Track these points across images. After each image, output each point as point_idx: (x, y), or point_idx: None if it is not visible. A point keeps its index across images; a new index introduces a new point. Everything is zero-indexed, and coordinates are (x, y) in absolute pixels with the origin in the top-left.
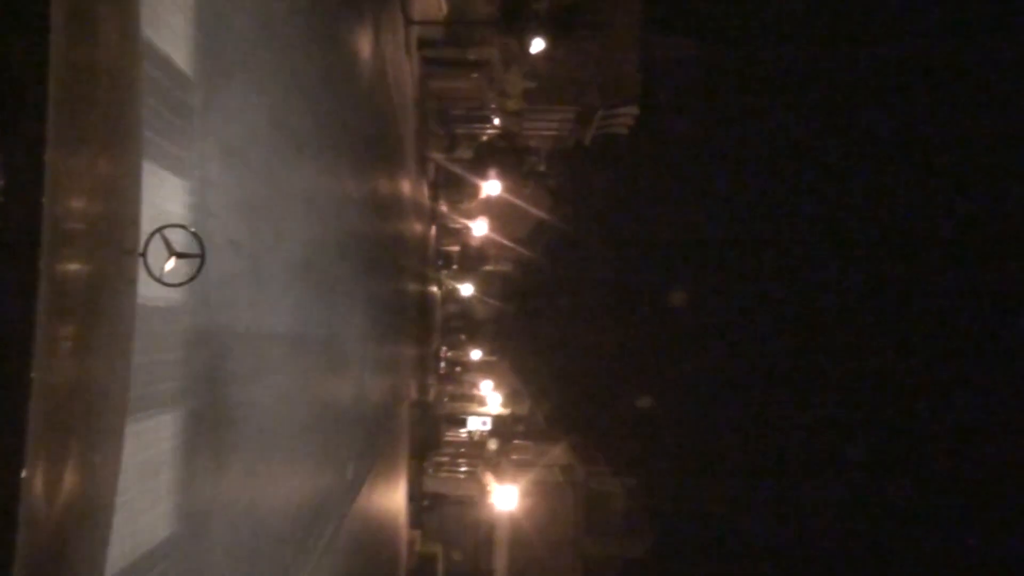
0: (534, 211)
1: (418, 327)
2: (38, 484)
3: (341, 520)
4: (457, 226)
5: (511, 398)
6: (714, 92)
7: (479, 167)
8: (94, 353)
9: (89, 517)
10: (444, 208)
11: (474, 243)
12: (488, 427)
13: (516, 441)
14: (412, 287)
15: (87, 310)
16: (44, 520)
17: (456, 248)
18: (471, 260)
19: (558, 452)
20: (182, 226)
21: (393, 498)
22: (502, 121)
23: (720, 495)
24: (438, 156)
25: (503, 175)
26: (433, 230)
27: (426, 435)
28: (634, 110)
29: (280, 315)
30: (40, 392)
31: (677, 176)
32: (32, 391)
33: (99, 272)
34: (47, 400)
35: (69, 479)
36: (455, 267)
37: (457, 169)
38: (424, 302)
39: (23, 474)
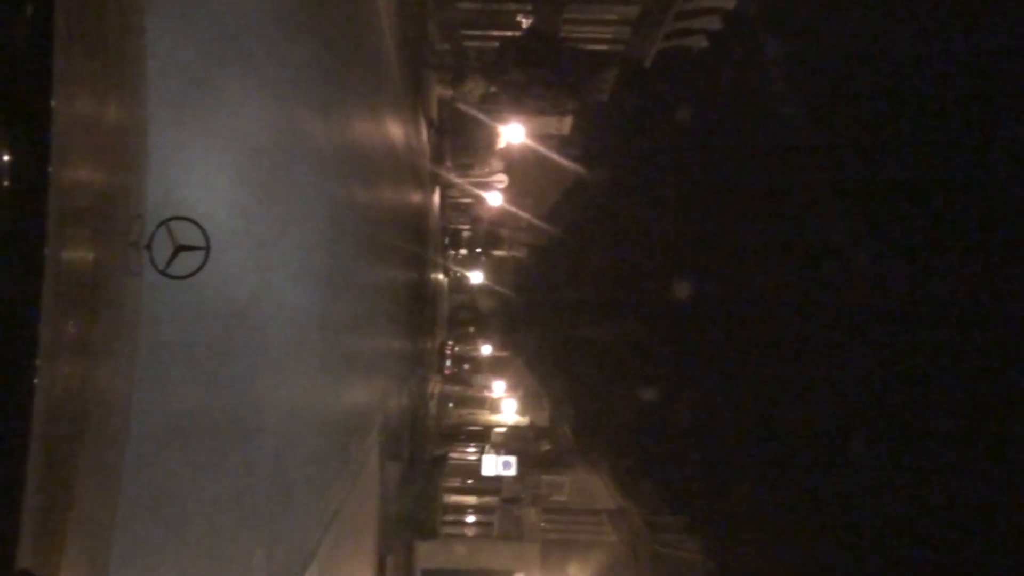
0: (567, 168)
1: (419, 319)
2: (41, 481)
3: None
4: (467, 200)
5: (528, 403)
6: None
7: (498, 78)
8: (98, 349)
9: (92, 519)
10: (450, 174)
11: (487, 220)
12: (513, 471)
13: (545, 476)
14: (409, 273)
15: (91, 304)
16: (47, 522)
17: (466, 227)
18: (482, 242)
19: (601, 490)
20: (187, 218)
21: None
22: (534, 18)
23: None
24: (441, 87)
25: (533, 95)
26: (436, 199)
27: (413, 508)
28: (729, 2)
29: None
30: (44, 389)
31: (777, 119)
32: (36, 388)
33: (103, 264)
34: (50, 397)
35: (73, 476)
36: (464, 251)
37: (468, 107)
38: (426, 291)
39: (26, 470)
